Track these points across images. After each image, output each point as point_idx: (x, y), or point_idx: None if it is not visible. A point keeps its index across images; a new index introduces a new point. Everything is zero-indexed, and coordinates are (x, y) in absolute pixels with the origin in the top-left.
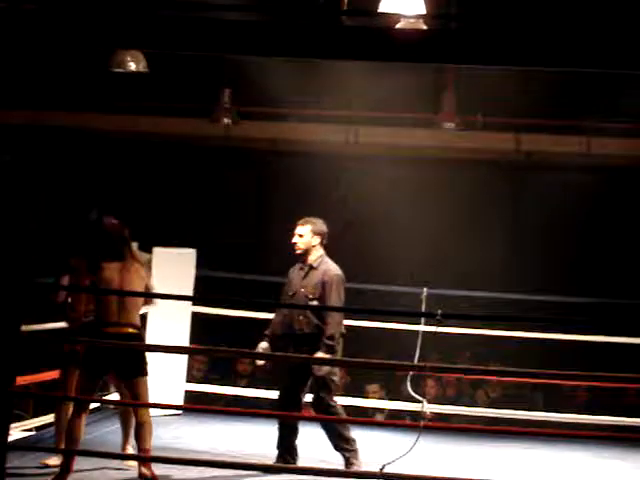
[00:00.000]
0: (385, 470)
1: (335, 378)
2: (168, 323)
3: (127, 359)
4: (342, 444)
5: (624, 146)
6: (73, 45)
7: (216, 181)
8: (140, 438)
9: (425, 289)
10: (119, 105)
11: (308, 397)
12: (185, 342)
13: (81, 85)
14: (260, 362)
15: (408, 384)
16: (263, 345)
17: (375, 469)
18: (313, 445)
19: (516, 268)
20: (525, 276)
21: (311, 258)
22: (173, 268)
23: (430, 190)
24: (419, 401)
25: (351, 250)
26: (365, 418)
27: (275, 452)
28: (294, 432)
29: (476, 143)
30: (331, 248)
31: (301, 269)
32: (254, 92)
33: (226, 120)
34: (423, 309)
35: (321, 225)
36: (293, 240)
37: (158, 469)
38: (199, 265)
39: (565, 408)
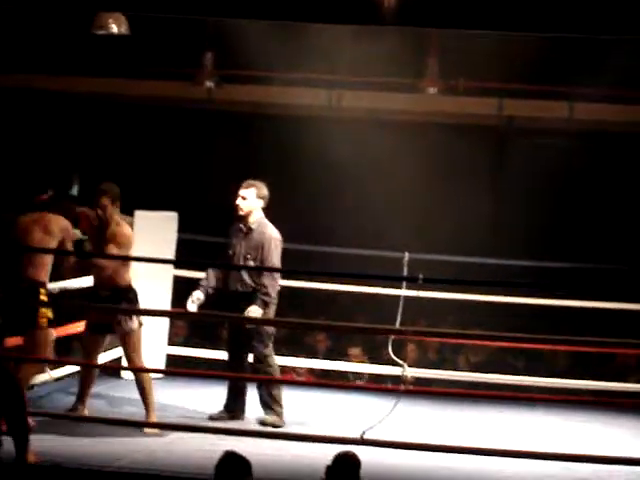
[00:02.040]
0: (366, 436)
1: (268, 329)
2: (150, 286)
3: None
4: (270, 402)
5: (607, 111)
6: (55, 7)
7: (199, 144)
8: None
9: (407, 253)
10: (101, 68)
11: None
12: (167, 305)
13: (62, 48)
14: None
15: (389, 348)
16: (198, 295)
17: (356, 435)
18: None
19: (499, 233)
20: (508, 241)
21: (251, 220)
22: (155, 231)
23: (413, 155)
24: (400, 365)
25: (335, 215)
26: (345, 382)
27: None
28: (242, 392)
29: (458, 108)
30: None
31: (240, 230)
32: (237, 55)
33: (209, 83)
34: (405, 274)
35: (264, 189)
36: (237, 202)
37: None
38: (181, 229)
39: (546, 373)
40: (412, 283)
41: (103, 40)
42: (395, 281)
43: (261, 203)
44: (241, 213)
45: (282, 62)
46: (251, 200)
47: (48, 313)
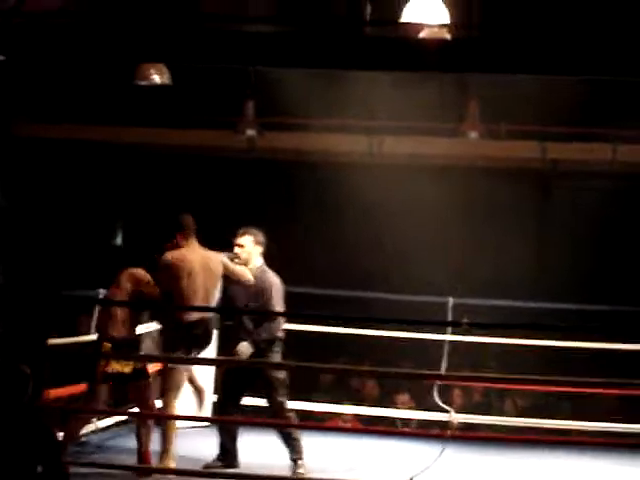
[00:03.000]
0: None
1: (279, 375)
2: None
3: None
4: (292, 443)
5: None
6: (98, 58)
7: (241, 193)
8: None
9: (451, 298)
10: (143, 118)
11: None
12: (212, 353)
13: (106, 99)
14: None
15: (435, 394)
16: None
17: None
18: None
19: (542, 278)
20: (552, 286)
21: (250, 267)
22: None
23: (455, 200)
24: (446, 411)
25: (377, 261)
26: (391, 428)
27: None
28: (234, 438)
29: (501, 152)
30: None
31: None
32: (278, 103)
33: (250, 132)
34: (449, 319)
35: (261, 236)
36: (234, 250)
37: None
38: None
39: (593, 416)
40: (456, 328)
41: (146, 90)
42: (440, 326)
43: (259, 249)
44: (239, 261)
45: (323, 109)
46: (249, 247)
47: (112, 365)
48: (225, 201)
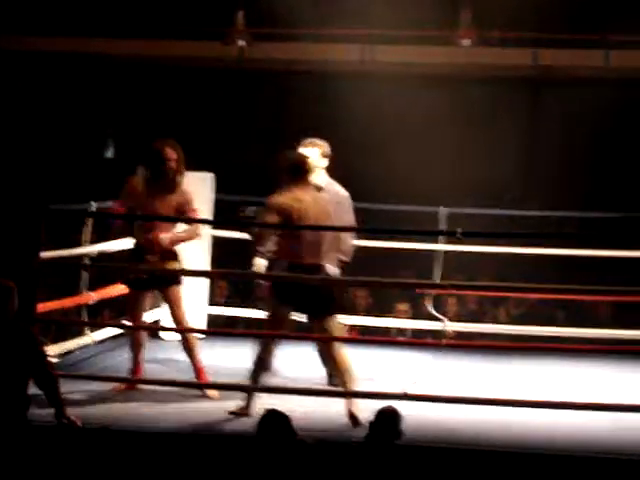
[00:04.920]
0: (408, 391)
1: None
2: (189, 247)
3: None
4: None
5: None
6: None
7: (231, 104)
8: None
9: (442, 208)
10: (133, 29)
11: None
12: (206, 266)
13: (95, 11)
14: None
15: (430, 303)
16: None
17: (398, 390)
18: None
19: (534, 184)
20: (543, 192)
21: (317, 180)
22: (192, 192)
23: (447, 108)
24: (441, 320)
25: (368, 170)
26: (386, 337)
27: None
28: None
29: (493, 59)
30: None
31: None
32: (268, 13)
33: (240, 42)
34: (442, 228)
35: (327, 147)
36: None
37: (185, 393)
38: (217, 189)
39: (587, 324)
40: (450, 237)
41: (135, 1)
42: (432, 236)
43: (326, 162)
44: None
45: (314, 18)
46: (316, 160)
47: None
48: (215, 112)
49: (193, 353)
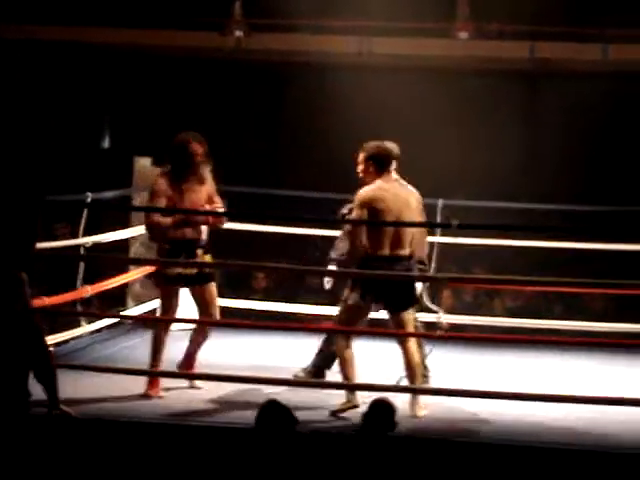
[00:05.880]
0: (401, 383)
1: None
2: None
3: None
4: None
5: None
6: None
7: (229, 94)
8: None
9: (440, 200)
10: (130, 19)
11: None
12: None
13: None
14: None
15: (424, 295)
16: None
17: (392, 382)
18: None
19: (533, 178)
20: (542, 186)
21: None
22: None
23: (444, 100)
24: (435, 312)
25: None
26: (381, 329)
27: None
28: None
29: (491, 52)
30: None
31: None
32: (266, 3)
33: (237, 32)
34: (439, 220)
35: (397, 149)
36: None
37: (173, 383)
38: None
39: (584, 318)
40: (446, 229)
41: None
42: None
43: (394, 164)
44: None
45: (312, 9)
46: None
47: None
48: (212, 102)
49: (199, 347)
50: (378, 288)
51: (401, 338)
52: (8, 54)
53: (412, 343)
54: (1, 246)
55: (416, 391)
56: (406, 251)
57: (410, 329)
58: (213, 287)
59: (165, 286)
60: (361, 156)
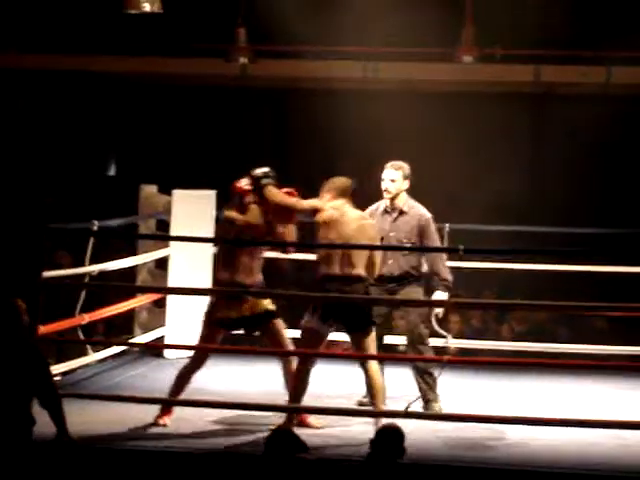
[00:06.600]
0: (410, 408)
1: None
2: (190, 265)
3: None
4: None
5: None
6: None
7: (234, 121)
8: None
9: (447, 225)
10: (134, 47)
11: None
12: (207, 284)
13: (95, 27)
14: None
15: (433, 319)
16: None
17: (400, 407)
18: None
19: (537, 202)
20: (547, 209)
21: (399, 202)
22: (193, 210)
23: (449, 124)
24: (443, 336)
25: (372, 187)
26: (389, 354)
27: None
28: None
29: (496, 76)
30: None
31: (387, 213)
32: (271, 30)
33: (242, 59)
34: (445, 244)
35: (408, 169)
36: (385, 185)
37: (180, 411)
38: (220, 207)
39: (590, 341)
40: (453, 254)
41: (136, 19)
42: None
43: (407, 184)
44: (389, 196)
45: (316, 35)
46: (399, 182)
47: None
48: (217, 129)
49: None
50: (334, 309)
51: (361, 360)
52: (15, 83)
53: (373, 364)
54: (3, 273)
55: (422, 416)
56: (359, 271)
57: (372, 351)
58: (279, 322)
59: (213, 328)
60: None
